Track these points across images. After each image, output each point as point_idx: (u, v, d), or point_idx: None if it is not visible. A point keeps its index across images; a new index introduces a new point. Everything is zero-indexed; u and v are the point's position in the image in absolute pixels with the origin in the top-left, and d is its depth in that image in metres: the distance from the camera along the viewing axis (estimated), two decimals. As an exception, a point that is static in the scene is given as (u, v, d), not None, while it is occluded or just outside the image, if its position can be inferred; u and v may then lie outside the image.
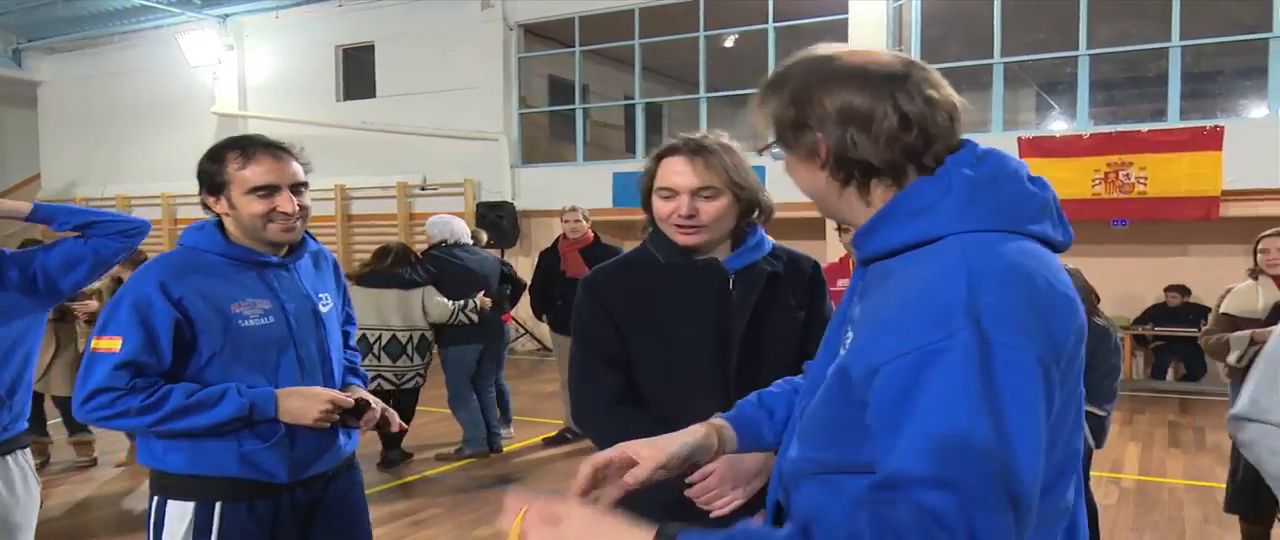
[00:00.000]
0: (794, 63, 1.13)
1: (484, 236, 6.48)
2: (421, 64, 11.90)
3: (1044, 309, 0.95)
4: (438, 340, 5.72)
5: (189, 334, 1.92)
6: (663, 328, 1.79)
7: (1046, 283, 0.97)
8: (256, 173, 1.95)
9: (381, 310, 5.53)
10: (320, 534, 2.11)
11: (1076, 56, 8.88)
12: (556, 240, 6.16)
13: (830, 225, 9.79)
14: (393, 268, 5.59)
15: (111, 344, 1.88)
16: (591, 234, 6.06)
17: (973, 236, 1.01)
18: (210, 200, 2.01)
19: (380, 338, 5.55)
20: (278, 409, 1.94)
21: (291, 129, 12.84)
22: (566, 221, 6.00)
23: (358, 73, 12.73)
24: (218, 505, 1.95)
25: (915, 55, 9.68)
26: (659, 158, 1.76)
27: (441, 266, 5.70)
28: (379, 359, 5.54)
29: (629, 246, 7.32)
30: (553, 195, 10.73)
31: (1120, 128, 8.78)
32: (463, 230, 5.97)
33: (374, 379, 5.53)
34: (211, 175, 1.98)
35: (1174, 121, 8.52)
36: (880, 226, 1.08)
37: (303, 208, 2.03)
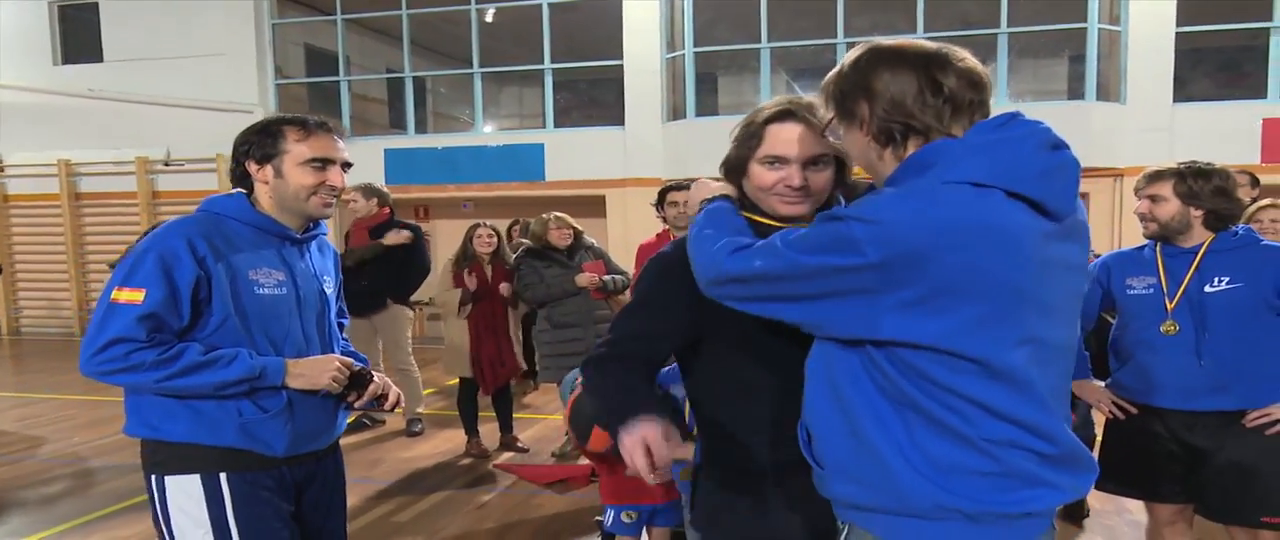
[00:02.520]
0: (853, 53, 1.37)
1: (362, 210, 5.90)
2: (159, 26, 10.73)
3: (926, 230, 1.21)
4: None
5: (205, 294, 1.92)
6: None
7: (949, 218, 1.21)
8: (316, 146, 2.02)
9: None
10: (308, 511, 2.14)
11: (835, 43, 9.40)
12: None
13: (610, 203, 9.85)
14: None
15: (134, 296, 1.86)
16: (387, 211, 5.80)
17: (947, 183, 1.23)
18: (253, 167, 2.02)
19: None
20: (286, 377, 1.97)
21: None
22: (347, 203, 5.73)
23: (79, 33, 11.27)
24: (223, 476, 1.95)
25: (687, 38, 9.93)
26: (766, 123, 1.62)
27: None
28: None
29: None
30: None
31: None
32: None
33: None
34: (263, 146, 2.01)
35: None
36: (895, 176, 1.32)
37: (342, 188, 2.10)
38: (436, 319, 7.31)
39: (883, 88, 1.31)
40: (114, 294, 1.88)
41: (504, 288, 5.20)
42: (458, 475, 5.00)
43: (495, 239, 5.31)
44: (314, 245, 2.19)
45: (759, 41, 9.55)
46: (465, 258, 5.30)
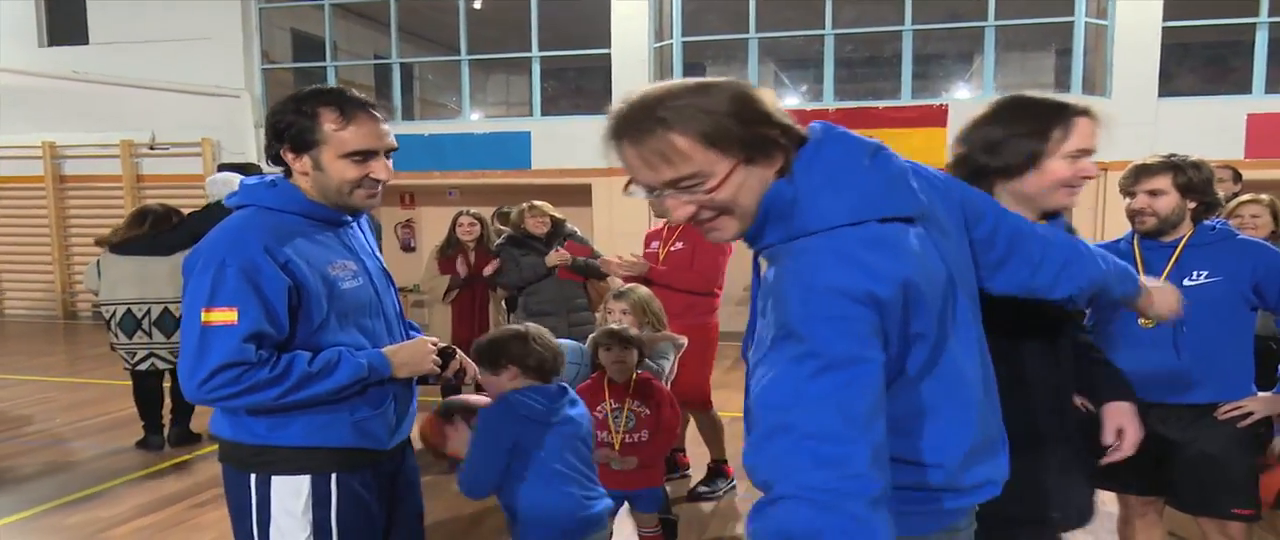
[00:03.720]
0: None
1: None
2: (144, 9, 10.64)
3: (839, 296, 1.15)
4: None
5: (296, 300, 1.81)
6: None
7: (850, 269, 1.17)
8: (357, 136, 1.84)
9: (147, 280, 4.96)
10: (401, 500, 2.12)
11: (823, 35, 9.40)
12: None
13: (596, 192, 9.84)
14: (155, 232, 5.01)
15: (227, 316, 1.74)
16: None
17: (822, 236, 1.20)
18: (289, 155, 1.86)
19: (149, 312, 4.98)
20: (392, 367, 1.92)
21: (-18, 76, 11.10)
22: None
23: (64, 15, 11.17)
24: (334, 477, 1.90)
25: (676, 27, 9.87)
26: (1073, 115, 1.72)
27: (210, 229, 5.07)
28: (150, 336, 5.00)
29: (386, 212, 7.02)
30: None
31: (861, 104, 9.42)
32: None
33: (146, 358, 5.04)
34: (301, 130, 1.83)
35: (906, 100, 9.25)
36: (762, 227, 1.27)
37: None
38: (420, 306, 7.31)
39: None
40: (204, 316, 1.75)
41: (487, 271, 5.23)
42: (436, 461, 5.01)
43: (478, 226, 5.35)
44: (361, 220, 2.08)
45: (747, 31, 9.54)
46: (449, 245, 5.36)
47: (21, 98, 11.08)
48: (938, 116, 8.96)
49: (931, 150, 8.93)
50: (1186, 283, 2.57)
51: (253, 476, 1.90)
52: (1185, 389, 2.61)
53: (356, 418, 1.90)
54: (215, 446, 5.70)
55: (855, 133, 1.30)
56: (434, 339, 2.06)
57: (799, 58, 12.30)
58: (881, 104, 9.32)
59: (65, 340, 9.58)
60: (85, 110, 10.90)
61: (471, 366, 2.21)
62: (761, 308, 1.23)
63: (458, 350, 2.16)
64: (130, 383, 5.23)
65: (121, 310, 4.98)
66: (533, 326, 2.52)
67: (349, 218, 1.98)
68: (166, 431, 5.28)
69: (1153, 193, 2.59)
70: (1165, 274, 2.60)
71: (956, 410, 1.30)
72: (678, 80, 1.25)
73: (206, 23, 10.56)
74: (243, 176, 5.47)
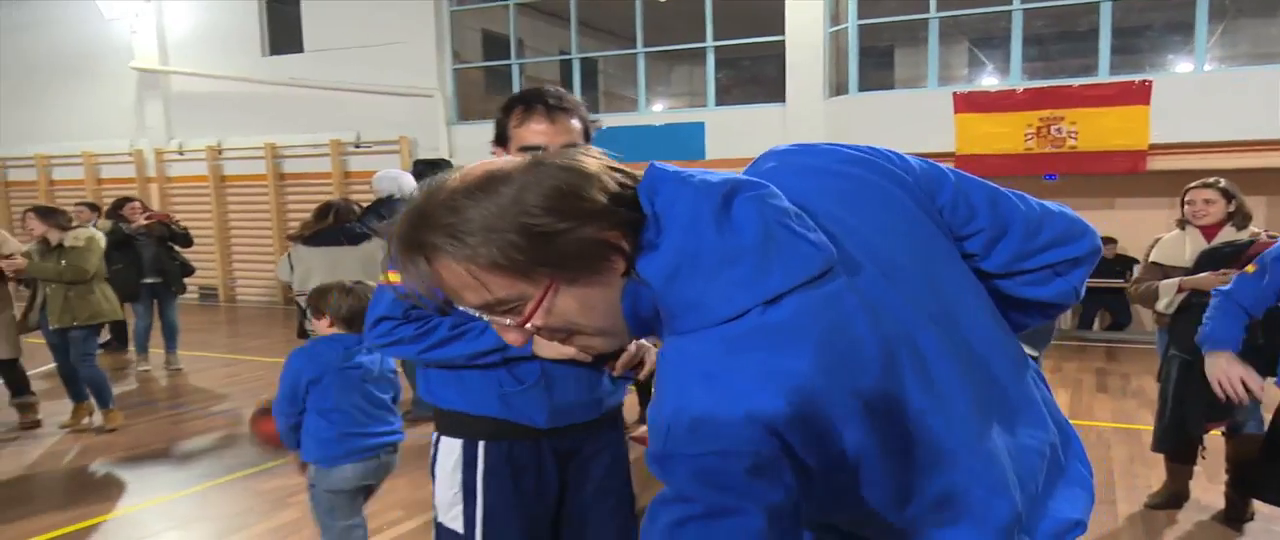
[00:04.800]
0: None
1: None
2: (349, 16, 11.54)
3: (718, 435, 0.87)
4: None
5: None
6: None
7: (721, 400, 0.88)
8: (530, 133, 1.96)
9: (338, 270, 5.20)
10: (581, 484, 2.14)
11: (1010, 11, 8.97)
12: None
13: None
14: (339, 224, 5.38)
15: (397, 277, 1.92)
16: None
17: (679, 342, 0.94)
18: (496, 150, 2.05)
19: None
20: (533, 345, 1.95)
21: (216, 85, 12.40)
22: None
23: (284, 26, 12.29)
24: (481, 444, 2.04)
25: (851, 11, 9.66)
26: None
27: (385, 220, 5.49)
28: None
29: None
30: (490, 152, 10.55)
31: (1052, 83, 8.93)
32: (410, 184, 5.73)
33: None
34: (500, 125, 2.03)
35: (1104, 76, 8.68)
36: (644, 330, 1.03)
37: None
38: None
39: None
40: (382, 276, 2.01)
41: None
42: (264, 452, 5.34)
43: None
44: None
45: (928, 10, 9.24)
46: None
47: (248, 103, 12.30)
48: (1140, 93, 8.36)
49: (1130, 131, 8.37)
50: None
51: (434, 435, 2.13)
52: None
53: (503, 391, 2.01)
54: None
55: (696, 172, 0.97)
56: None
57: (988, 35, 11.76)
58: (1076, 82, 8.80)
59: (283, 325, 10.56)
60: (300, 113, 11.96)
61: (652, 359, 2.14)
62: None
63: (639, 343, 2.10)
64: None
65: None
66: (357, 283, 3.00)
67: None
68: None
69: None
70: None
71: (965, 487, 0.97)
72: (457, 180, 0.95)
73: (403, 27, 11.33)
74: (403, 175, 5.89)
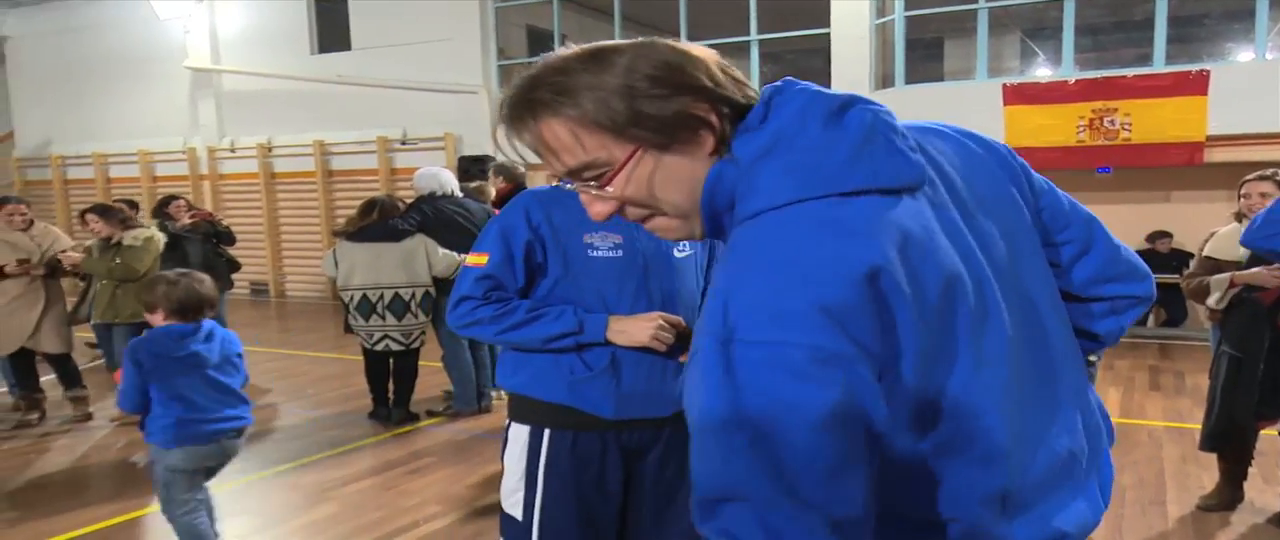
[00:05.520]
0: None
1: (491, 190, 6.20)
2: (395, 14, 11.67)
3: (804, 283, 0.84)
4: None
5: (540, 257, 2.07)
6: None
7: (811, 250, 0.86)
8: None
9: (380, 267, 5.37)
10: (649, 481, 2.13)
11: (1061, 1, 8.77)
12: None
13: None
14: (382, 220, 5.44)
15: (479, 259, 2.08)
16: (509, 186, 6.00)
17: (762, 218, 0.93)
18: None
19: (382, 297, 5.40)
20: (608, 331, 2.02)
21: (266, 83, 12.64)
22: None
23: (332, 24, 12.48)
24: (547, 432, 2.06)
25: (898, 2, 9.52)
26: None
27: (428, 217, 5.55)
28: (384, 319, 5.43)
29: None
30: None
31: (1105, 73, 8.72)
32: (451, 181, 5.81)
33: (381, 340, 5.48)
34: None
35: (1159, 67, 8.45)
36: (717, 223, 1.02)
37: None
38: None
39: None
40: (467, 258, 2.13)
41: None
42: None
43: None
44: None
45: (976, 2, 9.07)
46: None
47: (297, 101, 12.51)
48: (1197, 84, 8.11)
49: (1186, 122, 8.13)
50: None
51: (507, 421, 2.16)
52: None
53: (574, 378, 2.03)
54: (435, 420, 6.15)
55: (827, 89, 1.02)
56: (673, 318, 2.05)
57: (1040, 25, 11.51)
58: (1130, 72, 8.57)
59: (331, 320, 10.72)
60: (348, 110, 12.13)
61: None
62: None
63: None
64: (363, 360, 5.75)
65: (358, 295, 5.39)
66: (183, 274, 3.16)
67: None
68: (391, 410, 5.74)
69: None
70: None
71: (969, 445, 0.95)
72: (573, 50, 1.01)
73: (449, 24, 11.42)
74: (443, 171, 5.92)
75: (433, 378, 6.27)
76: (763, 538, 0.82)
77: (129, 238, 5.71)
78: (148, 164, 13.62)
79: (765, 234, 0.90)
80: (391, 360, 5.67)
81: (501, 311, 2.04)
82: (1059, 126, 8.44)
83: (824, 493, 0.82)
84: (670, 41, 1.00)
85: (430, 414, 5.82)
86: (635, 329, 2.01)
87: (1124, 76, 8.47)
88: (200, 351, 3.13)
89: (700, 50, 1.01)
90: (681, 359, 2.07)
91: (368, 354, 5.63)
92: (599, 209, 1.02)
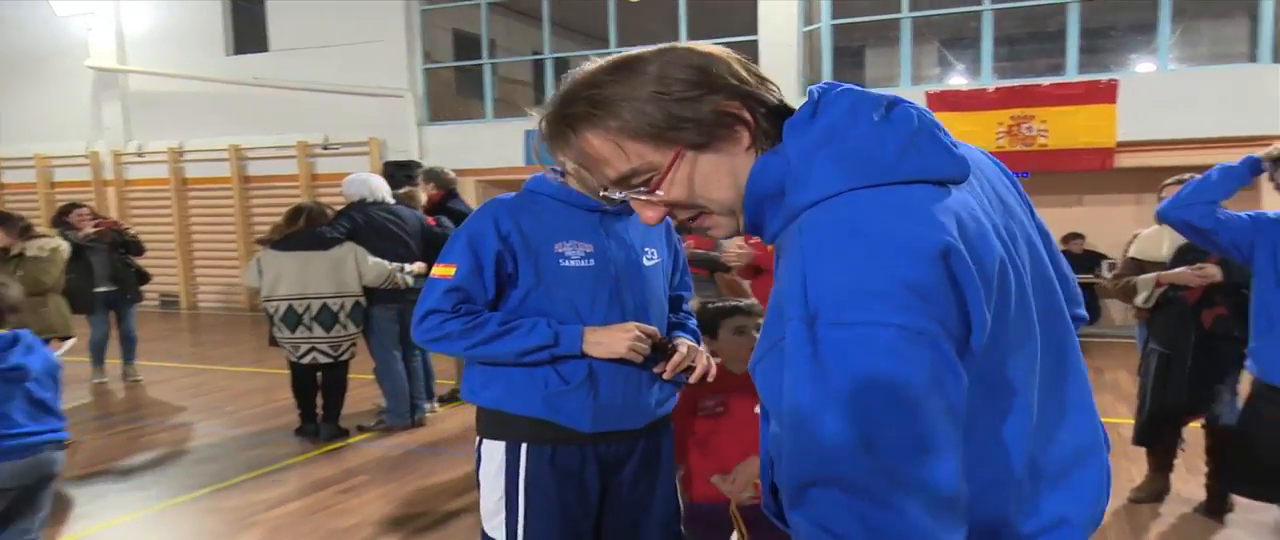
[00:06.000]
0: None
1: (422, 196, 6.09)
2: (317, 15, 11.35)
3: (886, 263, 0.85)
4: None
5: (510, 267, 2.01)
6: None
7: (886, 231, 0.88)
8: None
9: (307, 276, 5.18)
10: (624, 494, 2.10)
11: (981, 11, 9.04)
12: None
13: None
14: (309, 228, 5.24)
15: (446, 271, 2.00)
16: (441, 193, 6.10)
17: (825, 206, 0.94)
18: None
19: (309, 307, 5.20)
20: (583, 343, 1.96)
21: (177, 85, 12.14)
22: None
23: (248, 24, 12.07)
24: (523, 447, 2.00)
25: (825, 10, 9.70)
26: None
27: (358, 225, 5.37)
28: (311, 331, 5.23)
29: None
30: (463, 153, 10.44)
31: (1023, 82, 9.02)
32: (382, 188, 5.65)
33: (308, 353, 5.29)
34: None
35: (1072, 76, 8.78)
36: (760, 216, 1.03)
37: None
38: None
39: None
40: (433, 270, 2.05)
41: None
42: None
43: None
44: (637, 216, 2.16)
45: (900, 11, 9.28)
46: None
47: (211, 104, 12.04)
48: (1107, 92, 8.46)
49: (1098, 129, 8.47)
50: None
51: (477, 438, 2.09)
52: None
53: (549, 391, 1.97)
54: (367, 435, 5.95)
55: (871, 90, 1.05)
56: (649, 329, 2.02)
57: (958, 36, 11.85)
58: (1045, 81, 8.88)
59: (249, 332, 10.34)
60: (266, 114, 11.73)
61: (704, 362, 2.10)
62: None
63: (682, 345, 2.07)
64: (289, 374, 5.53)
65: (283, 306, 5.19)
66: None
67: (611, 208, 2.02)
68: (319, 425, 5.52)
69: None
70: None
71: (994, 423, 0.97)
72: (599, 63, 1.05)
73: (373, 26, 11.15)
74: (373, 177, 5.78)
75: (363, 391, 6.08)
76: (854, 522, 0.81)
77: (34, 248, 5.39)
78: (45, 169, 12.92)
79: (836, 218, 0.91)
80: (319, 373, 5.48)
81: (472, 325, 1.96)
82: (979, 133, 8.69)
83: (918, 472, 0.82)
84: (690, 45, 1.04)
85: (361, 429, 5.62)
86: (612, 340, 1.97)
87: (1040, 85, 8.78)
88: (25, 363, 2.96)
89: (720, 50, 1.04)
90: (656, 369, 2.04)
91: (294, 367, 5.43)
92: (650, 214, 1.05)
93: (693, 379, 2.10)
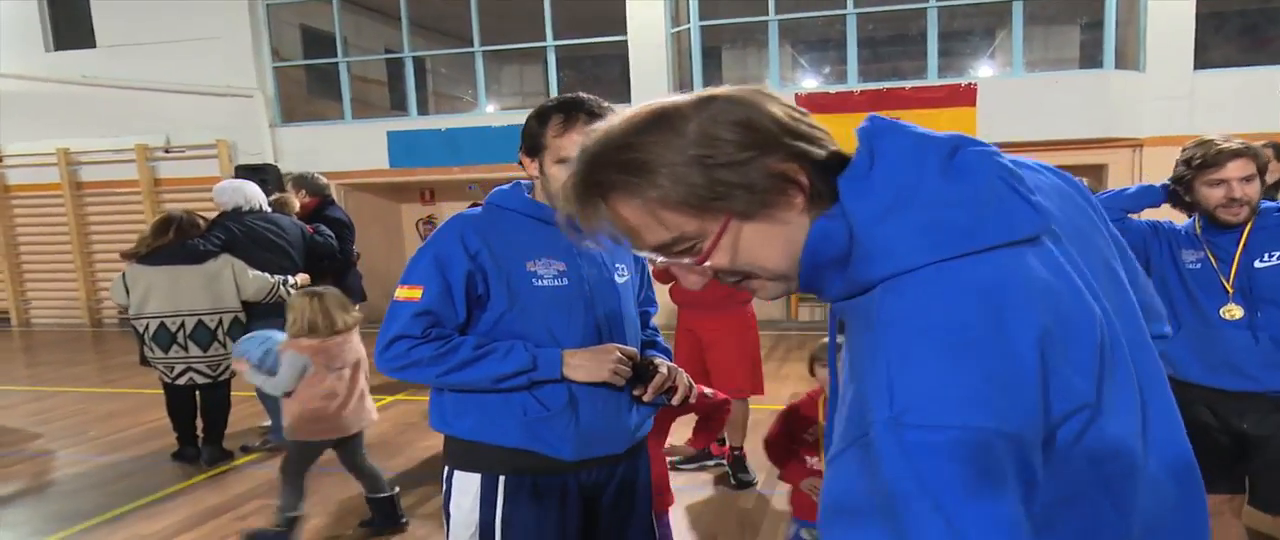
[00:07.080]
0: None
1: (295, 203, 5.71)
2: (147, 10, 10.51)
3: (975, 363, 0.79)
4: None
5: (481, 288, 1.90)
6: None
7: (974, 325, 0.80)
8: (572, 143, 1.81)
9: (179, 292, 4.76)
10: (603, 520, 2.03)
11: (845, 15, 9.15)
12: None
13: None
14: (180, 240, 4.82)
15: (412, 293, 1.88)
16: (315, 200, 5.89)
17: (901, 287, 0.85)
18: (526, 160, 1.92)
19: (183, 325, 4.80)
20: (563, 367, 1.87)
21: (-6, 84, 11.05)
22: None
23: (69, 19, 11.09)
24: (502, 479, 1.91)
25: (693, 12, 9.62)
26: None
27: (235, 236, 4.96)
28: (186, 350, 4.82)
29: (406, 208, 7.14)
30: (321, 156, 9.91)
31: (887, 85, 9.18)
32: (257, 195, 5.22)
33: (184, 373, 4.87)
34: (533, 135, 1.89)
35: (933, 79, 8.99)
36: (817, 277, 0.95)
37: None
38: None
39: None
40: (397, 292, 1.91)
41: None
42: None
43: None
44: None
45: (766, 14, 9.30)
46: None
47: (31, 104, 11.02)
48: (966, 96, 8.70)
49: (960, 131, 8.66)
50: (1258, 265, 2.50)
51: (445, 468, 1.97)
52: (1266, 373, 2.50)
53: (527, 418, 1.88)
54: (253, 456, 5.52)
55: (921, 128, 0.95)
56: (629, 350, 1.94)
57: (821, 39, 12.03)
58: (908, 85, 9.06)
59: (94, 349, 9.52)
60: (98, 115, 10.81)
61: (684, 384, 2.00)
62: (844, 380, 0.91)
63: (663, 366, 1.98)
64: (163, 393, 5.10)
65: (154, 324, 4.80)
66: None
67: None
68: (201, 448, 5.15)
69: (1248, 180, 2.46)
70: (1236, 259, 2.52)
71: (1104, 502, 0.90)
72: (630, 115, 0.93)
73: (213, 23, 10.42)
74: (248, 184, 5.38)
75: (244, 408, 5.64)
76: None
77: None
78: None
79: (919, 305, 0.83)
80: (197, 394, 5.05)
81: (444, 350, 1.84)
82: (846, 135, 8.77)
83: None
84: (729, 92, 0.92)
85: (247, 450, 5.21)
86: (594, 364, 1.88)
87: (903, 88, 8.95)
88: None
89: (759, 95, 0.93)
90: (636, 392, 1.96)
91: (168, 389, 5.01)
92: (694, 280, 0.96)
93: (675, 401, 2.01)
